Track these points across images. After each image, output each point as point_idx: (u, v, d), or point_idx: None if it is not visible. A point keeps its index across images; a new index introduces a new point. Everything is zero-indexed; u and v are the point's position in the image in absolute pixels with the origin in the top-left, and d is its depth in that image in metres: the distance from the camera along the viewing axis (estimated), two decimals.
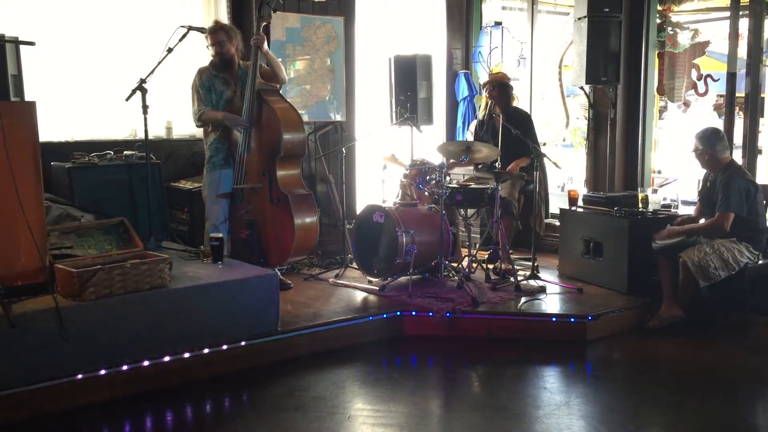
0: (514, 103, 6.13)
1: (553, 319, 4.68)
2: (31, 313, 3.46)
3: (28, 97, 4.61)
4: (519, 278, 5.20)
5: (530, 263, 5.42)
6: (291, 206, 4.84)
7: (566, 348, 4.52)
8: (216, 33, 5.01)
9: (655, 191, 6.46)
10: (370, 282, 5.29)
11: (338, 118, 6.54)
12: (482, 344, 4.57)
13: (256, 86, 4.92)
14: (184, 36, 4.85)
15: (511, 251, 5.61)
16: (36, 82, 4.93)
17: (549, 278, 5.42)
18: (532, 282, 5.25)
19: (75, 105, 5.51)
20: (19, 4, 5.20)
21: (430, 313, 4.64)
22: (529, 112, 6.11)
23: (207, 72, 5.08)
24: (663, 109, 8.24)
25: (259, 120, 4.97)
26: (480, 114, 6.04)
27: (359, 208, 6.38)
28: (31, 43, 3.75)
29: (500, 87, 5.85)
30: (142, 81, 4.66)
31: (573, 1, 6.34)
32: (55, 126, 5.31)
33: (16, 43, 3.89)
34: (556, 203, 6.27)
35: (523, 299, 4.94)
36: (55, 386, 3.50)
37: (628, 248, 5.05)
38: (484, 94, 6.01)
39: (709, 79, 7.22)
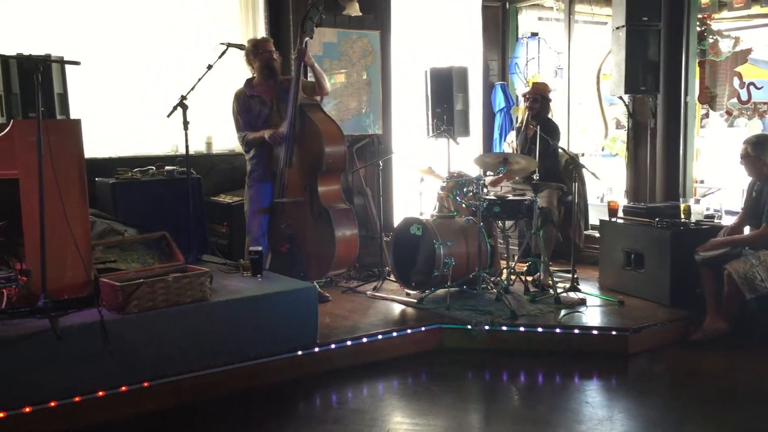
0: (549, 115, 6.10)
1: (594, 332, 4.61)
2: (76, 326, 3.53)
3: (73, 115, 4.74)
4: (558, 290, 5.15)
5: (570, 275, 5.36)
6: (332, 221, 4.88)
7: (608, 361, 4.45)
8: (267, 42, 5.13)
9: (697, 201, 6.34)
10: (407, 294, 5.29)
11: (375, 131, 6.57)
12: (522, 357, 4.52)
13: (298, 100, 4.98)
14: (223, 53, 4.94)
15: (550, 263, 5.56)
16: (81, 99, 5.07)
17: (589, 290, 5.35)
18: (572, 294, 5.19)
19: (118, 122, 5.64)
20: (64, 23, 5.35)
21: (469, 326, 4.62)
22: (556, 123, 6.08)
23: (242, 95, 5.16)
24: (704, 118, 8.10)
25: (301, 135, 5.01)
26: (518, 123, 6.05)
27: (396, 220, 6.39)
28: (77, 63, 3.85)
29: (543, 100, 5.87)
30: (183, 98, 4.74)
31: (611, 10, 6.28)
32: (99, 142, 5.44)
33: (62, 62, 4.00)
34: (596, 214, 6.19)
35: (563, 312, 4.88)
36: (99, 398, 3.56)
37: (671, 260, 4.96)
38: (525, 105, 5.99)
39: (752, 87, 7.07)
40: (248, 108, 5.14)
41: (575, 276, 5.33)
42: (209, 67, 4.83)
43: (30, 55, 3.87)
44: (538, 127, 5.32)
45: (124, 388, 3.62)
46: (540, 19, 7.77)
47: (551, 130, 5.77)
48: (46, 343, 3.41)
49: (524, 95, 6.07)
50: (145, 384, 3.68)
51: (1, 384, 3.32)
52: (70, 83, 4.72)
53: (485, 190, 5.25)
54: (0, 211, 4.08)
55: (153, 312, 3.74)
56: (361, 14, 6.34)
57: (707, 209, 5.52)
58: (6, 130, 3.62)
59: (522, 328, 4.63)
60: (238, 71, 5.44)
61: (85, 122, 3.92)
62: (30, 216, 3.59)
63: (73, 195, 3.77)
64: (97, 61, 5.38)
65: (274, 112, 5.14)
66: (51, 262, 3.60)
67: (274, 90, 5.15)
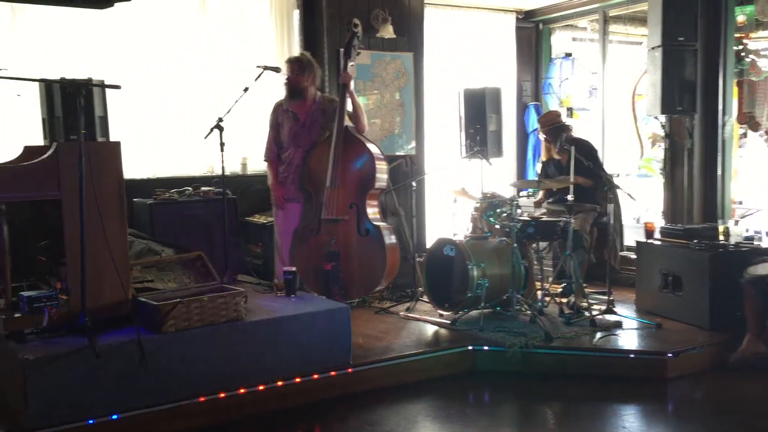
0: (574, 134, 6.05)
1: (631, 355, 4.54)
2: (115, 344, 3.58)
3: (112, 137, 4.85)
4: (594, 313, 5.08)
5: (605, 297, 5.29)
6: (382, 239, 5.07)
7: (645, 386, 4.36)
8: (289, 63, 5.23)
9: (736, 223, 6.22)
10: (441, 315, 5.27)
11: (408, 151, 6.60)
12: (557, 380, 4.47)
13: (343, 123, 5.11)
14: (259, 75, 5.03)
15: (585, 285, 5.49)
16: (120, 121, 5.18)
17: (625, 313, 5.27)
18: (608, 317, 5.12)
19: (156, 143, 5.77)
20: (103, 47, 5.49)
21: (503, 348, 4.58)
22: (590, 142, 6.03)
23: (280, 107, 5.30)
24: (743, 137, 7.96)
25: (347, 155, 5.16)
26: (543, 157, 6.02)
27: (429, 241, 6.39)
28: (117, 87, 3.94)
29: (552, 132, 5.83)
30: (220, 120, 4.82)
31: (646, 30, 6.24)
32: (137, 163, 5.55)
33: (104, 86, 4.09)
34: (632, 235, 6.12)
35: (598, 334, 4.81)
36: (135, 416, 3.59)
37: (710, 282, 4.87)
38: (541, 137, 6.00)
39: None
40: (279, 123, 5.27)
41: (611, 298, 5.26)
42: (246, 89, 4.91)
43: (73, 79, 3.98)
44: (573, 148, 5.29)
45: (160, 407, 3.65)
46: (574, 39, 7.75)
47: (586, 151, 5.73)
48: (86, 360, 3.46)
49: (537, 130, 6.06)
50: (181, 403, 3.70)
51: (41, 401, 3.38)
52: (109, 106, 4.85)
53: (519, 210, 5.23)
54: (43, 232, 4.18)
55: (189, 331, 3.78)
56: (394, 36, 6.40)
57: (746, 231, 5.41)
58: (49, 152, 3.70)
59: (557, 351, 4.57)
60: (274, 93, 5.52)
61: (124, 144, 4.01)
62: (71, 236, 3.66)
63: (113, 215, 3.83)
64: (136, 84, 5.51)
65: (303, 131, 5.23)
66: (91, 281, 3.66)
67: (310, 109, 5.22)
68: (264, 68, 5.06)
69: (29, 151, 4.12)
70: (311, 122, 5.25)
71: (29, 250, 4.33)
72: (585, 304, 5.20)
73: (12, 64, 4.96)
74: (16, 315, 3.65)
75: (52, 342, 3.58)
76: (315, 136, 5.29)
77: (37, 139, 4.85)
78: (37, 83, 4.66)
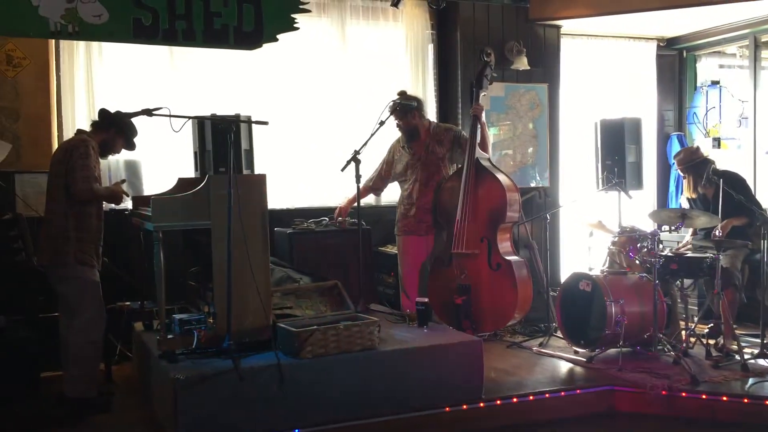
0: (720, 167, 5.67)
1: None
2: (256, 367, 3.74)
3: (256, 170, 5.10)
4: (746, 357, 4.73)
5: (759, 340, 4.92)
6: (513, 273, 4.96)
7: None
8: (389, 111, 5.18)
9: None
10: (576, 352, 5.09)
11: (541, 183, 6.49)
12: (704, 427, 4.19)
13: (474, 155, 5.12)
14: (393, 109, 5.14)
15: (735, 326, 5.13)
16: (262, 154, 5.45)
17: None
18: (761, 361, 4.75)
19: (295, 175, 6.02)
20: (249, 84, 5.82)
21: (645, 390, 4.35)
22: (739, 174, 5.64)
23: (398, 144, 5.45)
24: None
25: (478, 188, 5.14)
26: (686, 194, 5.69)
27: (563, 275, 6.23)
28: (265, 123, 4.17)
29: (690, 169, 5.50)
30: (357, 152, 4.93)
31: None
32: (277, 194, 5.80)
33: (253, 122, 4.33)
34: None
35: (751, 380, 4.48)
36: None
37: None
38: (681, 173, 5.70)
39: None
40: (394, 159, 5.44)
41: (765, 341, 4.88)
42: (382, 122, 5.02)
43: (224, 115, 4.24)
44: (721, 180, 5.00)
45: (296, 431, 3.75)
46: (721, 66, 7.38)
47: (736, 183, 5.39)
48: (230, 382, 3.63)
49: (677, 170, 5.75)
50: (315, 428, 3.79)
51: (190, 419, 3.57)
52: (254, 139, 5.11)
53: (661, 245, 4.99)
54: (194, 258, 4.46)
55: (325, 358, 3.87)
56: (529, 68, 6.36)
57: None
58: (202, 184, 3.96)
59: (704, 396, 4.29)
60: None
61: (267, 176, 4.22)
62: (219, 262, 3.88)
63: (257, 244, 4.03)
64: (278, 118, 5.78)
65: (419, 164, 5.32)
66: (235, 306, 3.85)
67: (425, 142, 5.33)
68: (398, 103, 5.18)
69: (183, 183, 4.44)
70: (426, 155, 5.32)
71: (181, 275, 4.63)
72: (735, 347, 4.86)
73: (170, 102, 5.35)
74: (169, 336, 3.89)
75: (200, 363, 3.79)
76: (433, 168, 5.33)
77: (189, 171, 5.19)
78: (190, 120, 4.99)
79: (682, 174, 5.65)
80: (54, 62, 5.36)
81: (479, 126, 5.23)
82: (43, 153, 5.13)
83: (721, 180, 5.11)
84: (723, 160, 6.70)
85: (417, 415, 4.02)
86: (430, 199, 5.33)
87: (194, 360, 3.83)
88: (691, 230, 5.78)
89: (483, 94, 5.28)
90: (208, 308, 4.17)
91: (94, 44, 5.38)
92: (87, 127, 4.41)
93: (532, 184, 6.45)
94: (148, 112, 4.08)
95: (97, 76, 5.46)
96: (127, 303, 4.84)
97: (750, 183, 6.09)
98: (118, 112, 4.32)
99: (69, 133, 5.16)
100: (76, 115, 5.39)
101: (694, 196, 5.57)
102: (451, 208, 5.21)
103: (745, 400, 4.23)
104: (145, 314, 4.69)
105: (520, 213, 5.29)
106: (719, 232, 5.09)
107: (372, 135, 5.00)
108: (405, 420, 3.99)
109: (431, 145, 5.33)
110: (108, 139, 4.27)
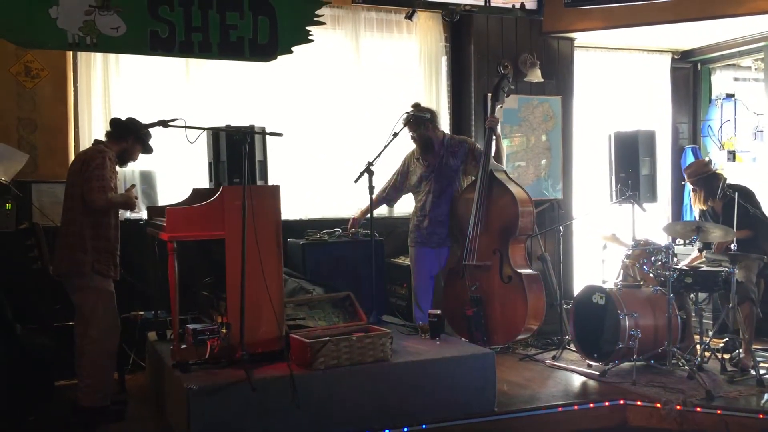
0: (733, 180, 5.62)
1: None
2: (269, 378, 3.75)
3: (270, 181, 5.12)
4: (762, 372, 4.69)
5: None
6: (525, 285, 4.93)
7: None
8: (406, 125, 5.24)
9: None
10: (589, 366, 5.07)
11: (555, 195, 6.48)
12: None
13: (488, 167, 5.13)
14: (407, 121, 5.16)
15: (751, 342, 5.09)
16: (275, 165, 5.47)
17: None
18: None
19: (308, 187, 6.02)
20: (263, 96, 5.85)
21: (658, 404, 4.32)
22: (748, 187, 5.59)
23: (412, 156, 5.46)
24: None
25: (491, 199, 5.14)
26: (697, 208, 5.65)
27: (577, 288, 6.20)
28: (279, 134, 4.19)
29: (701, 182, 5.44)
30: (370, 164, 4.95)
31: None
32: (290, 205, 5.82)
33: (267, 134, 4.35)
34: None
35: (766, 395, 4.44)
36: None
37: None
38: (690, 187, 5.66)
39: None
40: (408, 171, 5.45)
41: None
42: (395, 134, 5.04)
43: (239, 127, 4.26)
44: (736, 194, 4.97)
45: None
46: (736, 79, 7.35)
47: (750, 197, 5.35)
48: (242, 392, 3.64)
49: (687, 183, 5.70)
50: None
51: (202, 429, 3.58)
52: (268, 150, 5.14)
53: (675, 259, 4.96)
54: (207, 268, 4.48)
55: (337, 369, 3.88)
56: (542, 80, 6.36)
57: None
58: (216, 195, 3.98)
59: (719, 411, 4.25)
60: None
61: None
62: (232, 273, 3.90)
63: (270, 255, 4.05)
64: (292, 129, 5.80)
65: (433, 175, 5.33)
66: (248, 316, 3.87)
67: (438, 153, 5.34)
68: (411, 115, 5.19)
69: (197, 193, 4.47)
70: (440, 167, 5.32)
71: (194, 285, 4.65)
72: (751, 362, 4.82)
73: (185, 113, 5.40)
74: (183, 346, 3.90)
75: (213, 373, 3.80)
76: (446, 180, 5.34)
77: (204, 182, 5.23)
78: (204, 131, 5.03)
79: (692, 187, 5.61)
80: (71, 73, 5.42)
81: (494, 138, 5.24)
82: (60, 163, 5.20)
83: (737, 194, 5.08)
84: (738, 173, 6.66)
85: (430, 427, 4.01)
86: (443, 211, 5.33)
87: (207, 370, 3.84)
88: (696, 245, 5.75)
89: (499, 106, 5.28)
90: (222, 318, 4.19)
91: (111, 56, 5.44)
92: (103, 138, 4.45)
93: (546, 197, 6.44)
94: (163, 123, 4.12)
95: (113, 88, 5.51)
96: (141, 312, 4.86)
97: (765, 196, 6.04)
98: (130, 119, 4.36)
99: (86, 144, 5.22)
100: (93, 126, 5.43)
101: (704, 208, 5.53)
102: (465, 219, 5.21)
103: (761, 416, 4.19)
104: (159, 324, 4.71)
105: (534, 224, 5.26)
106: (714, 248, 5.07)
107: (385, 147, 5.01)
108: None
109: (445, 157, 5.34)
110: (127, 148, 4.31)
